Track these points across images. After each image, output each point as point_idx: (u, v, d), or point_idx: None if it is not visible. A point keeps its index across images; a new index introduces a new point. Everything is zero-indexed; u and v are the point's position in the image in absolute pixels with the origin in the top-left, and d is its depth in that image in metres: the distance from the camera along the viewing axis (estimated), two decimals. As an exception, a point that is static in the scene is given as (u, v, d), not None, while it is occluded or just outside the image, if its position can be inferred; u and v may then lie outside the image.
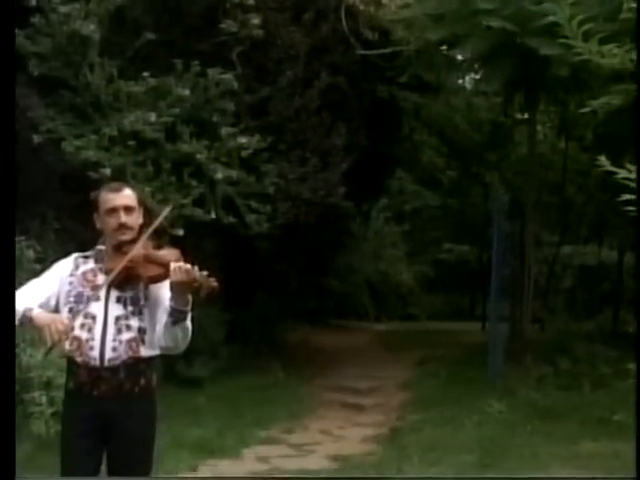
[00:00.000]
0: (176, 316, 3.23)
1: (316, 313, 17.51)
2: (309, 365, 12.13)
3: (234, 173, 8.94)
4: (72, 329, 3.28)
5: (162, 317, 3.30)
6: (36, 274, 7.16)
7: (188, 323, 3.30)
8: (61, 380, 6.00)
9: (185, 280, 3.14)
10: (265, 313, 12.92)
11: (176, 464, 6.55)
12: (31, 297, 3.36)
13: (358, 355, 13.80)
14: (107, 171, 7.97)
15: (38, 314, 3.26)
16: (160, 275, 3.30)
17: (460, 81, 15.27)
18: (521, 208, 12.48)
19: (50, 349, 3.20)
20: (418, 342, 14.88)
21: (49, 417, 6.05)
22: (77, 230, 8.64)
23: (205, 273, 3.16)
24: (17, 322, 3.28)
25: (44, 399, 6.17)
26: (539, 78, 10.35)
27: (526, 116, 13.29)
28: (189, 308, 3.25)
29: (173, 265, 3.17)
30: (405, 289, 21.71)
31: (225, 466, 6.80)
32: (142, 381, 3.39)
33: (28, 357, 6.34)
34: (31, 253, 7.13)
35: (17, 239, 7.08)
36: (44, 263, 7.32)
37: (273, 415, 8.84)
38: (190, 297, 3.23)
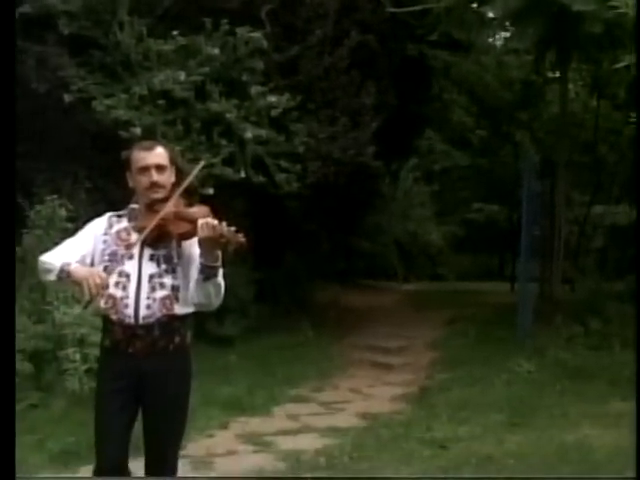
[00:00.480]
0: (207, 272, 3.24)
1: (345, 273, 17.51)
2: (339, 324, 12.14)
3: (263, 132, 8.91)
4: (107, 287, 3.31)
5: (194, 274, 3.31)
6: (68, 233, 7.26)
7: (220, 279, 3.31)
8: (95, 337, 6.11)
9: (212, 236, 3.15)
10: (294, 272, 12.95)
11: (207, 421, 6.62)
12: (67, 254, 3.40)
13: (387, 315, 13.79)
14: (137, 130, 7.99)
15: (76, 268, 3.30)
16: (189, 232, 3.31)
17: (490, 39, 15.06)
18: (552, 167, 12.31)
19: (88, 303, 3.23)
20: (447, 302, 14.83)
21: (83, 374, 6.14)
22: (108, 189, 8.69)
23: (233, 229, 3.16)
24: (54, 277, 3.33)
25: (78, 356, 6.26)
26: (571, 35, 10.14)
27: (558, 74, 13.05)
28: (219, 264, 3.26)
29: (200, 221, 3.17)
30: (434, 249, 21.63)
31: (255, 424, 6.86)
32: (176, 339, 3.41)
33: (62, 314, 6.43)
34: (63, 212, 7.20)
35: (49, 198, 7.15)
36: (76, 222, 7.39)
37: (303, 373, 8.89)
38: (219, 253, 3.23)
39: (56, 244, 7.14)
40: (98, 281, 3.17)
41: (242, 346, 9.92)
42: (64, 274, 3.29)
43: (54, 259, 3.37)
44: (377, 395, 8.25)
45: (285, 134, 9.20)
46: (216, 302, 3.39)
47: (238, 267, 10.50)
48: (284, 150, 9.19)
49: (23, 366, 6.09)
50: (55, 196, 7.24)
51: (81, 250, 3.45)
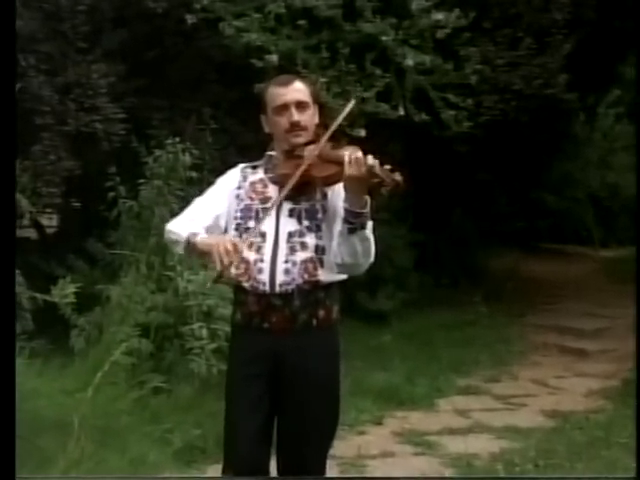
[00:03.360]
0: (352, 221, 3.20)
1: (526, 235, 17.25)
2: (518, 299, 11.99)
3: (427, 59, 8.76)
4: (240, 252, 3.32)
5: (338, 227, 3.30)
6: (192, 183, 7.46)
7: (368, 233, 3.27)
8: (224, 310, 6.24)
9: (361, 174, 3.11)
10: (464, 234, 12.86)
11: (357, 415, 6.69)
12: (196, 220, 3.48)
13: (580, 288, 13.53)
14: (273, 58, 8.03)
15: (201, 239, 3.36)
16: (336, 174, 3.28)
17: None
18: None
19: (220, 276, 3.23)
20: (657, 272, 14.34)
21: (210, 354, 6.26)
22: (238, 131, 8.84)
23: (387, 167, 3.12)
24: (182, 250, 3.46)
25: (204, 332, 6.38)
26: None
27: None
28: (367, 211, 3.21)
29: (347, 157, 3.14)
30: (640, 205, 20.94)
31: (416, 419, 6.89)
32: (321, 312, 3.41)
33: (185, 282, 6.57)
34: (187, 158, 7.34)
35: (170, 141, 7.32)
36: (201, 171, 7.56)
37: (474, 359, 8.88)
38: (367, 198, 3.19)
39: (178, 198, 7.38)
40: (229, 247, 3.16)
41: (399, 324, 9.98)
42: (190, 248, 3.39)
43: (181, 228, 3.45)
44: (567, 389, 8.14)
45: (454, 61, 9.02)
46: (364, 263, 3.34)
47: (394, 227, 10.52)
48: (452, 80, 9.01)
49: (141, 344, 6.27)
50: (177, 139, 7.38)
51: (214, 210, 3.52)
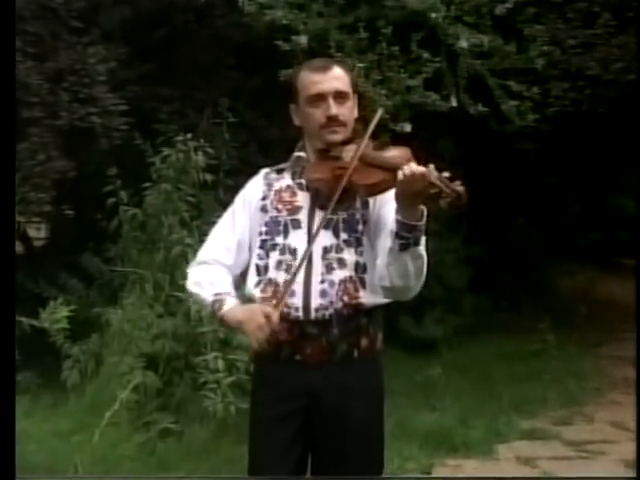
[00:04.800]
0: (405, 236, 3.14)
1: (603, 249, 17.16)
2: (593, 325, 11.93)
3: (484, 39, 8.75)
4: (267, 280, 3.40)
5: (385, 243, 3.25)
6: (206, 187, 7.47)
7: (422, 250, 3.22)
8: (244, 338, 6.23)
9: (419, 188, 3.07)
10: (527, 248, 12.80)
11: (402, 463, 6.66)
12: (220, 265, 3.53)
13: (669, 313, 13.39)
14: (302, 39, 8.05)
15: (229, 312, 3.38)
16: (383, 182, 3.27)
17: None
18: None
19: (257, 354, 3.32)
20: None
21: (228, 389, 6.28)
22: (260, 126, 8.86)
23: (446, 174, 3.07)
24: (209, 313, 3.57)
25: (220, 364, 6.41)
26: None
27: None
28: (422, 224, 3.16)
29: (402, 169, 3.08)
30: None
31: (472, 468, 6.84)
32: (363, 341, 3.42)
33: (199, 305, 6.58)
34: (200, 158, 7.36)
35: (180, 138, 7.35)
36: (217, 173, 7.60)
37: (540, 397, 8.82)
38: (424, 209, 3.15)
39: (190, 205, 7.39)
40: (262, 321, 3.20)
41: (450, 354, 9.98)
42: (217, 318, 3.47)
43: (203, 284, 3.50)
44: (655, 434, 8.05)
45: (516, 41, 9.01)
46: (415, 286, 3.31)
47: (444, 240, 10.51)
48: (515, 65, 9.01)
49: (146, 377, 6.30)
50: (188, 135, 7.42)
51: (237, 237, 3.55)
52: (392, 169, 3.19)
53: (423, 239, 3.21)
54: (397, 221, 3.14)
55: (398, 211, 3.14)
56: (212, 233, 3.65)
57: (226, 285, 3.47)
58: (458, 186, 3.06)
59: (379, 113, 3.54)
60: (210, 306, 3.44)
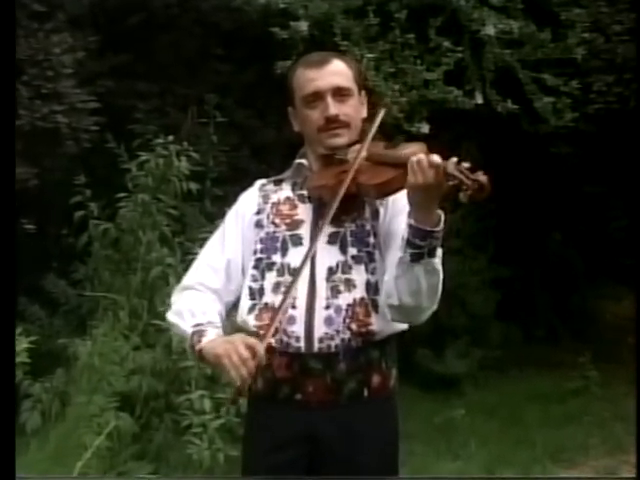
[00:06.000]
0: (418, 244, 3.10)
1: (654, 269, 17.11)
2: (642, 359, 11.88)
3: (514, 25, 8.77)
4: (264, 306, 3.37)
5: (395, 256, 3.22)
6: (190, 198, 7.46)
7: (437, 264, 3.18)
8: (235, 374, 6.23)
9: (432, 180, 3.04)
10: (565, 268, 12.77)
11: (420, 519, 6.67)
12: (206, 290, 3.51)
13: None
14: (302, 26, 8.05)
15: (207, 345, 3.32)
16: (394, 180, 3.23)
17: None
18: None
19: (239, 394, 3.23)
20: None
21: (215, 434, 6.26)
22: (253, 126, 8.85)
23: (466, 165, 3.01)
24: (189, 348, 3.47)
25: (207, 404, 6.38)
26: None
27: None
28: (439, 230, 3.11)
29: (412, 159, 3.06)
30: None
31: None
32: (375, 378, 3.40)
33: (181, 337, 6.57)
34: (184, 164, 7.35)
35: (162, 141, 7.35)
36: (203, 182, 7.58)
37: (581, 444, 8.78)
38: (441, 215, 3.13)
39: (172, 219, 7.37)
40: (244, 353, 3.14)
41: (475, 393, 9.98)
42: (194, 353, 3.40)
43: (185, 305, 3.48)
44: None
45: (552, 27, 9.03)
46: (428, 307, 3.27)
47: (467, 259, 10.49)
48: (550, 55, 9.02)
49: (119, 420, 6.28)
50: (169, 138, 7.41)
51: (225, 255, 3.53)
52: (403, 163, 3.15)
53: (439, 251, 3.18)
54: (409, 226, 3.11)
55: (410, 214, 3.12)
56: (199, 255, 3.64)
57: (210, 314, 3.43)
58: (480, 176, 3.00)
59: (382, 110, 3.51)
60: (189, 340, 3.39)
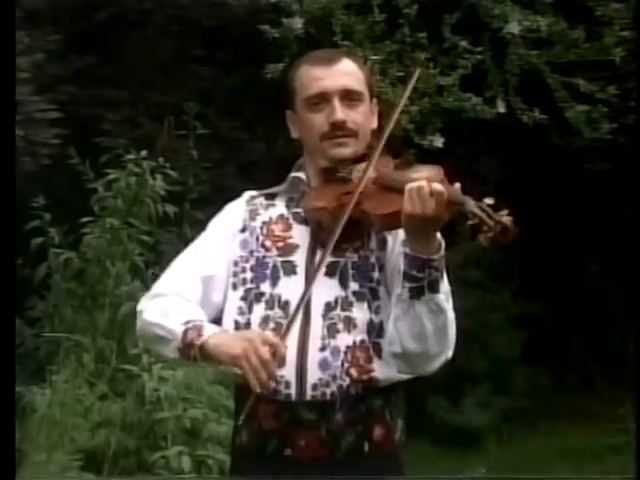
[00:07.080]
0: (415, 275, 3.10)
1: None
2: (692, 408, 11.89)
3: (542, 22, 8.78)
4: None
5: (397, 291, 3.22)
6: (166, 222, 7.44)
7: (441, 300, 3.18)
8: (218, 427, 6.25)
9: (432, 213, 3.03)
10: (602, 304, 12.77)
11: None
12: (184, 295, 3.43)
13: None
14: (296, 23, 8.07)
15: (212, 339, 3.27)
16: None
17: None
18: None
19: (251, 408, 3.20)
20: None
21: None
22: (240, 139, 8.86)
23: (489, 201, 3.02)
24: (174, 352, 3.37)
25: (186, 462, 6.36)
26: None
27: None
28: (438, 259, 3.12)
29: (412, 185, 3.05)
30: None
31: None
32: (377, 430, 3.36)
33: (156, 383, 6.56)
34: (159, 183, 7.36)
35: (133, 157, 7.37)
36: (181, 203, 7.56)
37: (624, 506, 8.78)
38: (441, 241, 3.15)
39: (145, 246, 7.37)
40: (265, 355, 3.11)
41: (498, 449, 10.00)
42: (193, 350, 3.29)
43: (169, 313, 3.37)
44: None
45: (585, 25, 9.03)
46: (437, 353, 3.27)
47: (488, 293, 10.47)
48: (583, 57, 9.03)
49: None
50: (142, 153, 7.41)
51: (207, 268, 3.46)
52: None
53: (445, 286, 3.21)
54: (405, 255, 3.14)
55: (406, 242, 3.15)
56: (171, 266, 3.57)
57: (201, 315, 3.36)
58: (504, 217, 3.01)
59: (418, 70, 3.55)
60: (180, 339, 3.30)
